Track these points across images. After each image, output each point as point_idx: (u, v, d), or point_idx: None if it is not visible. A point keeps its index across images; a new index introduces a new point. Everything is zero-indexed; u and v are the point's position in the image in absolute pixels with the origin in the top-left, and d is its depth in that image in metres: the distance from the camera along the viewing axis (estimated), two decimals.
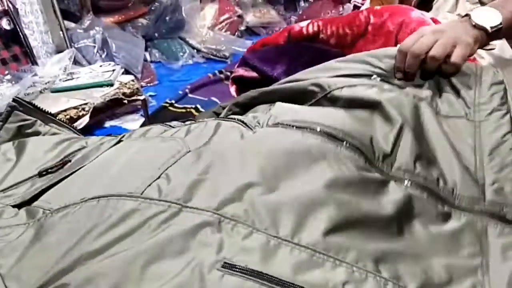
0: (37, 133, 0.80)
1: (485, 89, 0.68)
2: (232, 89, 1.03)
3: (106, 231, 0.48)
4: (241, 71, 0.99)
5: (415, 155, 0.59)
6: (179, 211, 0.49)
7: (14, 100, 0.81)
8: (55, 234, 0.50)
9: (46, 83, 1.44)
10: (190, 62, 2.36)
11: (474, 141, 0.62)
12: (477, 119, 0.66)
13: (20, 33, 1.51)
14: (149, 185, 0.53)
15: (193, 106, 2.10)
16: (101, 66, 1.58)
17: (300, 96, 0.74)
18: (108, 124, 1.86)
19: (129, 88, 1.51)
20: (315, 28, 0.99)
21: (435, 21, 0.91)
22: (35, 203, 0.59)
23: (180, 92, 2.11)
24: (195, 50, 2.38)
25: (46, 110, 0.82)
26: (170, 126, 0.75)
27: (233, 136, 0.63)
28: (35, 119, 0.80)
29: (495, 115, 0.65)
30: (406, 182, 0.56)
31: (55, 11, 1.64)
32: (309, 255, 0.44)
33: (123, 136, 0.72)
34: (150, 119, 1.65)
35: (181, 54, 2.35)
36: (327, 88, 0.72)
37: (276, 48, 0.98)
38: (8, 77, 1.42)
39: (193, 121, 0.76)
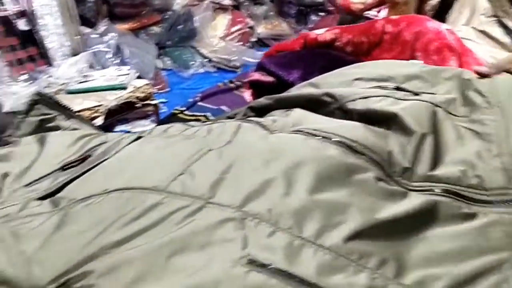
0: (57, 128, 0.80)
1: None
2: (248, 93, 1.04)
3: (130, 223, 0.48)
4: (257, 76, 1.00)
5: (434, 165, 0.58)
6: (202, 207, 0.49)
7: (36, 94, 0.82)
8: (79, 222, 0.51)
9: (61, 85, 1.46)
10: (201, 70, 2.38)
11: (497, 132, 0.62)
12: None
13: (37, 35, 1.53)
14: (173, 180, 0.53)
15: (203, 114, 2.12)
16: (116, 69, 1.60)
17: (313, 105, 0.74)
18: (118, 128, 1.87)
19: (142, 92, 1.53)
20: (332, 36, 1.00)
21: (451, 32, 0.93)
22: (59, 194, 0.59)
23: (190, 100, 2.14)
24: (206, 59, 2.40)
25: (67, 106, 0.83)
26: (190, 125, 0.75)
27: (254, 138, 0.63)
28: (56, 113, 0.81)
29: None
30: (426, 192, 0.55)
31: (72, 15, 1.67)
32: (332, 257, 0.45)
33: (142, 133, 0.73)
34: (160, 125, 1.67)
35: (192, 62, 2.37)
36: (340, 99, 0.72)
37: (292, 53, 1.00)
38: (24, 77, 1.44)
39: (213, 121, 0.77)
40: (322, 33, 1.00)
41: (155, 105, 1.63)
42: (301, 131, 0.63)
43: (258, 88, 1.01)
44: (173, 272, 0.43)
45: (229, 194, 0.51)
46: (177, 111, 2.10)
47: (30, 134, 0.78)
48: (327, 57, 0.95)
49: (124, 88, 1.51)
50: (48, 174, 0.67)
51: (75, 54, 1.63)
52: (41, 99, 0.82)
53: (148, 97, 1.55)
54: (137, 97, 1.51)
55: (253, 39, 2.55)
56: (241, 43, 2.49)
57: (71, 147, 0.73)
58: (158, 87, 2.18)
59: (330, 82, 0.80)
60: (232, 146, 0.61)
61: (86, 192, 0.56)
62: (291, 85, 0.92)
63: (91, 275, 0.44)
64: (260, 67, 1.00)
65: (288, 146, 0.59)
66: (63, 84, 1.45)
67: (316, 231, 0.47)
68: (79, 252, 0.46)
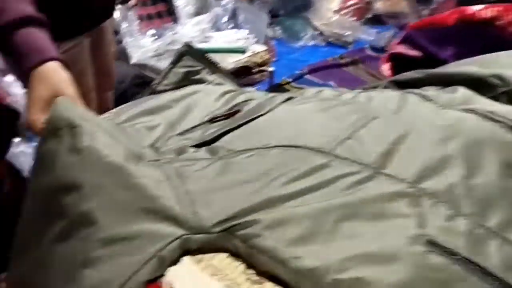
0: (201, 81, 0.81)
1: None
2: (386, 66, 0.98)
3: (296, 180, 0.47)
4: (401, 49, 0.94)
5: None
6: (372, 176, 0.47)
7: (185, 46, 0.83)
8: (242, 172, 0.50)
9: (184, 43, 1.48)
10: (311, 43, 2.32)
11: None
12: None
13: None
14: (339, 143, 0.52)
15: (309, 87, 2.09)
16: (235, 33, 1.60)
17: (475, 86, 0.68)
18: None
19: (260, 57, 1.52)
20: (493, 13, 0.90)
21: None
22: (215, 144, 0.60)
23: (298, 72, 2.10)
24: (317, 32, 2.34)
25: (214, 61, 0.83)
26: (342, 91, 0.73)
27: (425, 112, 0.60)
28: (201, 67, 0.82)
29: None
30: None
31: None
32: None
33: (292, 94, 0.72)
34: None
35: (303, 34, 2.32)
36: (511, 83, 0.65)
37: (446, 29, 0.92)
38: (152, 32, 1.49)
39: (364, 90, 0.73)
40: (481, 9, 0.90)
41: (270, 72, 1.62)
42: (474, 110, 0.58)
43: (399, 62, 0.94)
44: (342, 238, 0.42)
45: (403, 167, 0.48)
46: (283, 82, 2.08)
47: (176, 84, 0.79)
48: (487, 36, 0.85)
49: (243, 52, 1.51)
50: (199, 125, 0.68)
51: (198, 14, 1.65)
52: (189, 52, 0.82)
53: (265, 63, 1.54)
54: (255, 62, 1.50)
55: (368, 16, 2.42)
56: (355, 18, 2.38)
57: (217, 101, 0.73)
58: None
59: (500, 62, 0.72)
60: (400, 116, 0.59)
61: (246, 145, 0.55)
62: (442, 62, 0.85)
63: (257, 225, 0.43)
64: (406, 40, 0.93)
65: (464, 125, 0.56)
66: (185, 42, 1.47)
67: (503, 222, 0.43)
68: (245, 201, 0.46)
